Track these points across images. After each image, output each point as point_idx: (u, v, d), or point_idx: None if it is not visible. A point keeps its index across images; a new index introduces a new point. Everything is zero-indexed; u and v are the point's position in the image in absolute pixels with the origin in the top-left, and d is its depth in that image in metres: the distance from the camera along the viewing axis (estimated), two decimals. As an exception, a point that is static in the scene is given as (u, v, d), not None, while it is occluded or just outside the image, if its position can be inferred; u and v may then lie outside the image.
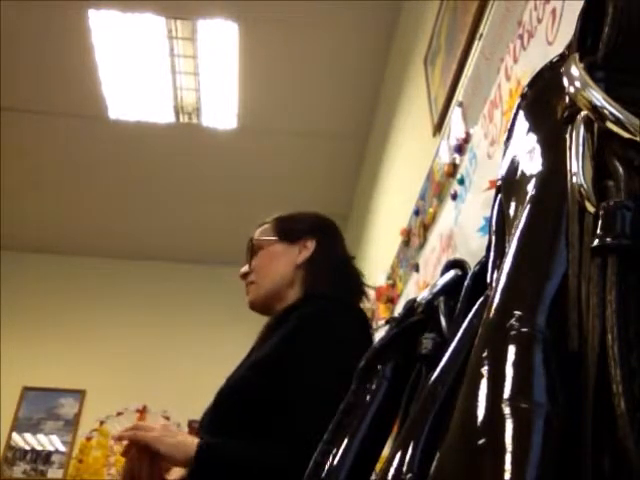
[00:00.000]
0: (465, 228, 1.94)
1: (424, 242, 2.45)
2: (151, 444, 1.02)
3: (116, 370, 4.79)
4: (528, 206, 0.33)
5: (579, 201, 0.30)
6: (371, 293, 1.73)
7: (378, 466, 0.39)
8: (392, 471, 0.33)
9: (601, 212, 0.28)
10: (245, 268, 1.37)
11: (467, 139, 2.00)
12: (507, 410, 0.24)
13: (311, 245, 1.34)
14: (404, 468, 0.32)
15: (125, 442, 1.06)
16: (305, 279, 1.31)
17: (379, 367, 0.46)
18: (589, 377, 0.25)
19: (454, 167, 2.10)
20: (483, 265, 0.41)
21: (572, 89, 0.33)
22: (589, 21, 0.36)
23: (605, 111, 0.31)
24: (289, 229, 1.37)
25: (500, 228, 0.38)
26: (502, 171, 0.41)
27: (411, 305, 0.48)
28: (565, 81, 0.34)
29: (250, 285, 1.35)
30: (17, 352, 4.75)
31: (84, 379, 4.79)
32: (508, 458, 0.23)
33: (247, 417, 1.10)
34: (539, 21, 1.48)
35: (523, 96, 0.43)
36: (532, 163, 0.37)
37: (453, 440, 0.27)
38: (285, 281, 1.32)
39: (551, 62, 0.41)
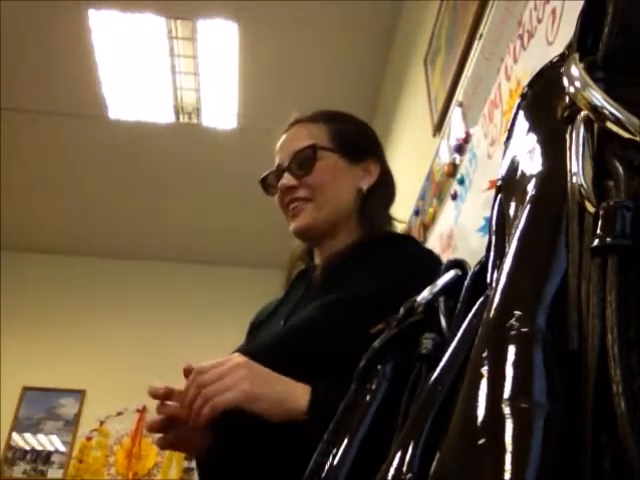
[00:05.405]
0: (465, 228, 1.94)
1: (424, 242, 2.45)
2: (243, 404, 0.76)
3: (116, 370, 4.79)
4: (528, 206, 0.33)
5: (579, 201, 0.30)
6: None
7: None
8: (392, 471, 0.33)
9: (601, 212, 0.28)
10: (291, 180, 1.05)
11: (467, 139, 2.00)
12: (507, 410, 0.24)
13: (375, 170, 1.10)
14: (404, 468, 0.32)
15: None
16: (363, 212, 1.07)
17: (379, 367, 0.46)
18: (589, 377, 0.25)
19: (454, 167, 2.10)
20: (483, 265, 0.41)
21: (572, 89, 0.33)
22: (589, 21, 0.36)
23: (605, 111, 0.31)
24: (353, 143, 1.09)
25: (500, 228, 0.38)
26: (502, 171, 0.41)
27: (411, 305, 0.48)
28: (565, 81, 0.34)
29: (302, 203, 1.04)
30: (17, 352, 4.76)
31: (84, 379, 4.79)
32: (508, 458, 0.23)
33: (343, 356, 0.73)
34: (539, 21, 1.48)
35: (523, 96, 0.43)
36: (532, 163, 0.37)
37: (453, 440, 0.27)
38: (347, 210, 1.06)
39: (551, 62, 0.41)
